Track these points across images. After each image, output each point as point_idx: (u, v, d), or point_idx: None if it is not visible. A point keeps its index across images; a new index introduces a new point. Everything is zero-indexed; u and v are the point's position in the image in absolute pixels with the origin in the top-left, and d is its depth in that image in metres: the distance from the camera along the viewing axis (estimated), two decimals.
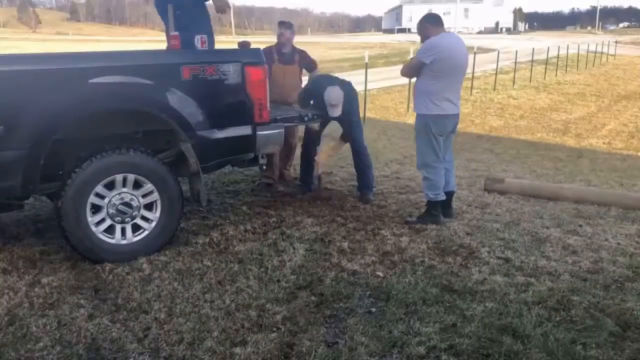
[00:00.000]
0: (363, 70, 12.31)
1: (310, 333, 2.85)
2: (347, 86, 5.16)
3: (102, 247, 3.64)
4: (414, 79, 4.59)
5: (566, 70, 27.11)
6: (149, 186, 3.74)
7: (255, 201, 5.20)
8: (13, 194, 3.54)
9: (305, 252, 3.91)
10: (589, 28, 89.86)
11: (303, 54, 5.69)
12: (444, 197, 4.51)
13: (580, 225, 4.66)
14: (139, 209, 3.74)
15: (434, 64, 4.25)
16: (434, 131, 4.39)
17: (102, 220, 3.65)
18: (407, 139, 9.61)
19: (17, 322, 2.94)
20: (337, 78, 5.36)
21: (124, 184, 3.68)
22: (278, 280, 3.45)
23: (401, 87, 16.87)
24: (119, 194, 3.66)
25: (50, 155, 3.52)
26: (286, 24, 5.60)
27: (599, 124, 15.33)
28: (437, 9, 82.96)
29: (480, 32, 71.70)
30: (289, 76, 5.50)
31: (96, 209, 3.63)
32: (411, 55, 15.69)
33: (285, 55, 5.54)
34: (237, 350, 2.69)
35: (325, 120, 5.20)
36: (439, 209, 4.54)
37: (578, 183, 6.67)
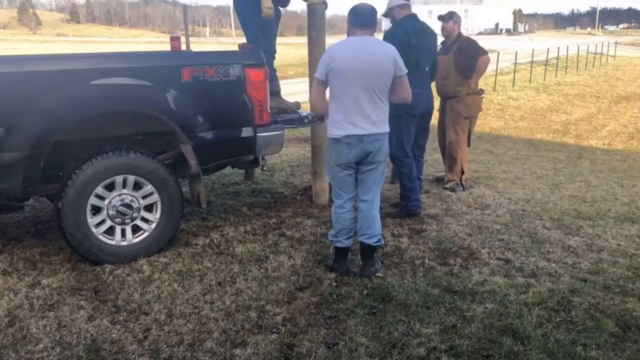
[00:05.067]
0: None
1: (310, 334, 2.85)
2: None
3: (102, 249, 3.65)
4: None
5: (566, 71, 27.13)
6: (149, 187, 3.74)
7: (255, 202, 5.20)
8: (13, 196, 3.54)
9: (306, 253, 3.91)
10: (588, 29, 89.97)
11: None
12: (343, 244, 3.59)
13: (581, 227, 4.66)
14: (139, 210, 3.75)
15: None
16: (331, 160, 3.56)
17: (102, 222, 3.65)
18: None
19: (17, 324, 2.94)
20: None
21: (124, 186, 3.68)
22: (278, 282, 3.45)
23: None
24: (119, 195, 3.67)
25: (51, 156, 3.53)
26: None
27: (598, 125, 15.34)
28: (436, 10, 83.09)
29: (480, 33, 71.78)
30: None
31: (96, 210, 3.63)
32: None
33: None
34: (237, 351, 2.69)
35: None
36: (342, 256, 3.62)
37: (578, 184, 6.67)
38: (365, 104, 3.38)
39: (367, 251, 3.58)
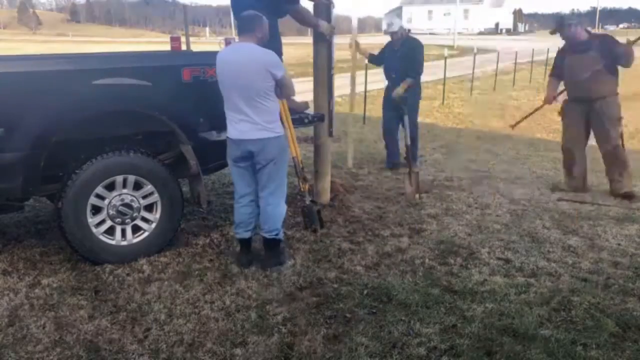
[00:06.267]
0: (363, 71, 12.34)
1: (310, 334, 2.85)
2: None
3: (103, 248, 3.65)
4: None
5: None
6: (149, 187, 3.75)
7: None
8: (13, 196, 3.55)
9: (306, 253, 3.91)
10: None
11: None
12: (241, 236, 3.73)
13: (581, 226, 4.65)
14: (139, 210, 3.75)
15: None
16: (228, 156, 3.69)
17: (103, 222, 3.66)
18: None
19: (18, 323, 2.94)
20: None
21: (125, 185, 3.68)
22: (278, 282, 3.45)
23: None
24: (120, 195, 3.67)
25: (51, 156, 3.53)
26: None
27: None
28: (436, 10, 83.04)
29: (480, 33, 71.77)
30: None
31: (96, 210, 3.63)
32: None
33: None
34: (238, 351, 2.70)
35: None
36: (241, 247, 3.79)
37: None
38: (244, 106, 3.48)
39: (264, 243, 3.74)
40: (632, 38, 5.37)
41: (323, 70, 4.99)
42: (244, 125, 3.50)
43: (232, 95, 3.50)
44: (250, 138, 3.50)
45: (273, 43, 4.60)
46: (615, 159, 5.52)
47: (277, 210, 3.67)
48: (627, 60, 5.28)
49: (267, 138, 3.52)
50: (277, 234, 3.68)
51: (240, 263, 3.72)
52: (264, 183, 3.63)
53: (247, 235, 3.74)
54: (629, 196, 5.39)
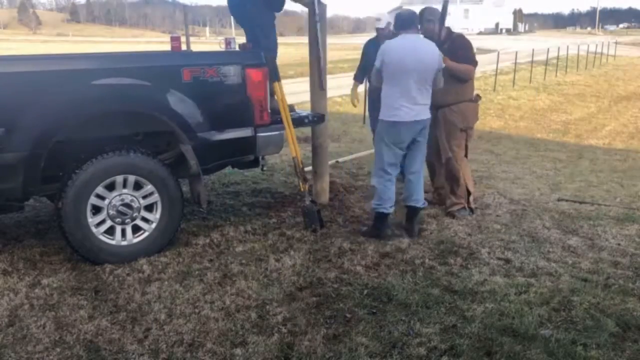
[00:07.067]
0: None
1: (310, 334, 2.85)
2: None
3: (103, 248, 3.65)
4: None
5: (566, 71, 27.13)
6: (149, 187, 3.75)
7: (255, 202, 5.20)
8: (14, 196, 3.55)
9: (306, 252, 3.91)
10: (588, 29, 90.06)
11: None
12: (387, 211, 4.19)
13: (581, 226, 4.66)
14: (139, 210, 3.75)
15: (383, 68, 4.03)
16: (387, 139, 4.14)
17: (103, 222, 3.66)
18: None
19: (18, 323, 2.94)
20: None
21: (125, 185, 3.68)
22: (278, 282, 3.45)
23: None
24: (120, 195, 3.67)
25: (51, 156, 3.53)
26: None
27: (599, 125, 15.34)
28: None
29: (480, 33, 71.79)
30: None
31: (96, 210, 3.64)
32: None
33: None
34: (238, 351, 2.70)
35: None
36: (383, 222, 4.21)
37: (578, 184, 6.67)
38: (420, 92, 4.03)
39: (414, 213, 4.29)
40: None
41: (319, 71, 4.98)
42: (417, 107, 4.03)
43: (407, 81, 3.96)
44: (422, 118, 4.07)
45: (268, 42, 4.60)
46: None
47: (423, 181, 4.30)
48: None
49: (429, 118, 4.17)
50: (424, 203, 4.32)
51: (383, 235, 4.17)
52: (416, 158, 4.23)
53: (392, 209, 4.25)
54: (453, 214, 4.82)
